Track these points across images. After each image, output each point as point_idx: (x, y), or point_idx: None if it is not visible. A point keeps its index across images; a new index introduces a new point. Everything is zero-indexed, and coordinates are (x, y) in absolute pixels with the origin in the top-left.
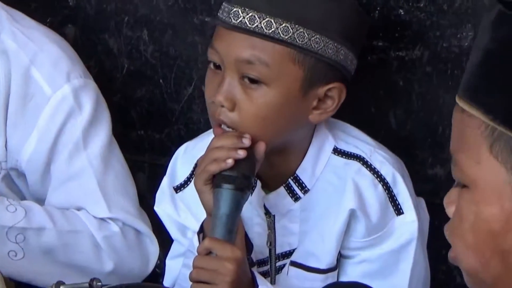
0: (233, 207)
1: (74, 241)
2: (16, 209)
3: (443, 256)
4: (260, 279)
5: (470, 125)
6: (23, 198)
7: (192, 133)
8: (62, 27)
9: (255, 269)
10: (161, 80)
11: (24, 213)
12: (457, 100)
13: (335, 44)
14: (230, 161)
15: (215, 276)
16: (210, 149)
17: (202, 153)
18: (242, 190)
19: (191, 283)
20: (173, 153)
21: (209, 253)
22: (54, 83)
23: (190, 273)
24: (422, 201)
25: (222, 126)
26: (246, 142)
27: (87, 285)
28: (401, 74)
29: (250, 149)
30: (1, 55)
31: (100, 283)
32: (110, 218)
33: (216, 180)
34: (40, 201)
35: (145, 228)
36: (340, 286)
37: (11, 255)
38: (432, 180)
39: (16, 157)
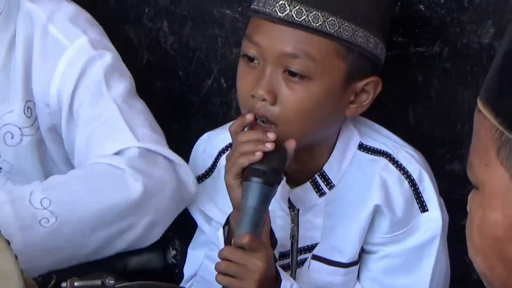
0: (261, 201)
1: (96, 181)
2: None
3: (459, 252)
4: (283, 274)
5: (483, 127)
6: (50, 170)
7: (210, 125)
8: None
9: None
10: (180, 72)
11: (39, 181)
12: (478, 100)
13: (375, 38)
14: (259, 153)
15: (244, 272)
16: (237, 143)
17: (225, 143)
18: (271, 184)
19: (215, 273)
20: (191, 144)
21: (241, 247)
22: (70, 35)
23: (217, 264)
24: (441, 200)
25: (258, 121)
26: (271, 136)
27: (99, 282)
28: (420, 70)
29: (281, 145)
30: (24, 17)
31: (112, 281)
32: (130, 148)
33: (245, 173)
34: (71, 154)
35: (178, 158)
36: None
37: (44, 223)
38: (450, 177)
39: (47, 111)
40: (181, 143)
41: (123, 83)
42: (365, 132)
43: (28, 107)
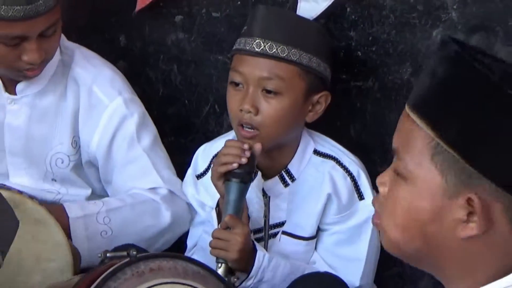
0: (239, 195)
1: (141, 208)
2: (95, 202)
3: None
4: (258, 246)
5: (417, 135)
6: (89, 183)
7: (208, 139)
8: (115, 62)
9: (252, 236)
10: (186, 101)
11: (102, 203)
12: (408, 111)
13: (324, 64)
14: (235, 165)
15: (228, 245)
16: (221, 154)
17: (217, 150)
18: (246, 182)
19: (209, 248)
20: (194, 153)
21: (226, 228)
22: (110, 96)
23: (210, 241)
24: (374, 191)
25: (245, 128)
26: (247, 153)
27: (125, 253)
28: (358, 98)
29: (251, 150)
30: (73, 81)
31: (135, 252)
32: (160, 188)
33: (226, 175)
34: (106, 183)
35: (186, 198)
36: (310, 277)
37: (103, 234)
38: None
39: (87, 150)
40: (186, 152)
41: (149, 136)
42: (318, 141)
43: (75, 141)
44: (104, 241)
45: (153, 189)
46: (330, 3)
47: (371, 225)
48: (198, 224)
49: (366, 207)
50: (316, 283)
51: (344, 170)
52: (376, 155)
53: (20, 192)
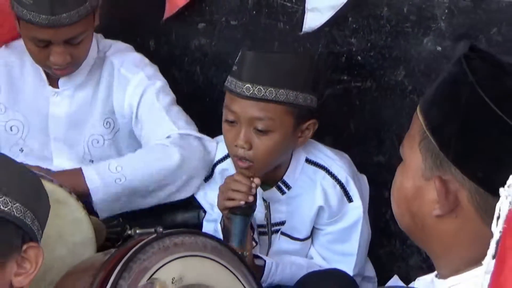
0: (242, 226)
1: (151, 154)
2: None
3: (382, 214)
4: (265, 257)
5: (416, 124)
6: (121, 152)
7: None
8: None
9: (257, 230)
10: (207, 99)
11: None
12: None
13: (311, 96)
14: (243, 202)
15: None
16: (229, 189)
17: (221, 155)
18: (248, 215)
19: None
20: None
21: None
22: (133, 72)
23: None
24: (364, 177)
25: (243, 160)
26: (254, 191)
27: (152, 230)
28: (357, 97)
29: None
30: (106, 69)
31: (161, 229)
32: (173, 134)
33: (231, 209)
34: (143, 143)
35: (205, 136)
36: (319, 273)
37: (118, 182)
38: (376, 165)
39: (123, 120)
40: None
41: (167, 98)
42: (310, 151)
43: (107, 122)
44: (120, 187)
45: (167, 137)
46: (333, 13)
47: (360, 224)
48: (209, 221)
49: (355, 209)
50: (326, 279)
51: (333, 179)
52: (372, 147)
53: (41, 176)
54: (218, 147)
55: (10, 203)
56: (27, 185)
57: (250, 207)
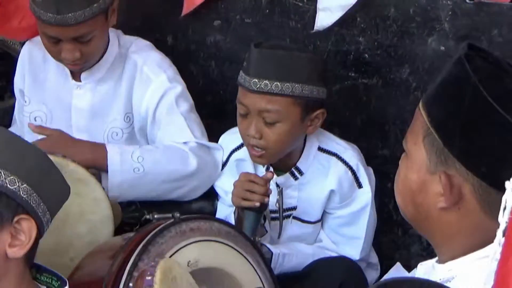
0: (255, 221)
1: (171, 153)
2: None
3: (385, 204)
4: (271, 247)
5: (419, 121)
6: (139, 145)
7: (236, 121)
8: None
9: (269, 218)
10: (221, 91)
11: (138, 145)
12: (420, 101)
13: (317, 88)
14: (258, 204)
15: None
16: (244, 188)
17: (236, 144)
18: (261, 212)
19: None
20: (224, 129)
21: None
22: (156, 73)
23: None
24: (370, 170)
25: (254, 148)
26: (270, 192)
27: (170, 215)
28: (364, 93)
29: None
30: (129, 66)
31: (178, 215)
32: (191, 142)
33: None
34: (152, 142)
35: (214, 144)
36: (325, 261)
37: (136, 171)
38: (381, 158)
39: (139, 118)
40: (220, 133)
41: (187, 104)
42: (322, 140)
43: (128, 116)
44: (136, 177)
45: (185, 143)
46: (343, 13)
47: (369, 209)
48: (225, 205)
49: (364, 194)
50: (333, 266)
51: (345, 164)
52: (378, 141)
53: (64, 156)
54: (234, 137)
55: (3, 175)
56: (28, 161)
57: (262, 205)
